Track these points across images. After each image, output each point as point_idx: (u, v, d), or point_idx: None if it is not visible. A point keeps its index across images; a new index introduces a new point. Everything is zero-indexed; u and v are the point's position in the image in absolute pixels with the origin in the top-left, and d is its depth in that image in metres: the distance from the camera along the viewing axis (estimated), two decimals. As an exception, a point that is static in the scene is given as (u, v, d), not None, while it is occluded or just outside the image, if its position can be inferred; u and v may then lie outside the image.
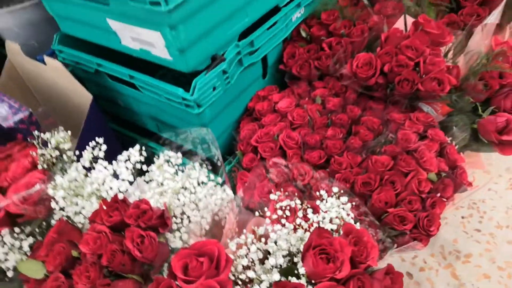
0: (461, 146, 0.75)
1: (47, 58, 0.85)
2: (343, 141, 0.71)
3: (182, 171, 0.61)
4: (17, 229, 0.59)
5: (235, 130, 0.83)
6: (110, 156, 0.63)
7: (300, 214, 0.53)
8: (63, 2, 0.77)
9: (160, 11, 0.57)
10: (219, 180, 0.60)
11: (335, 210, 0.52)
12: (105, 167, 0.56)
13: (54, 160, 0.65)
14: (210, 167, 0.67)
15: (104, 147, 0.59)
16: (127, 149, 0.89)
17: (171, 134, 0.67)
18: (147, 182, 0.60)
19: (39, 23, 0.99)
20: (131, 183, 0.57)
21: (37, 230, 0.61)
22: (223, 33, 0.71)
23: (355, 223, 0.52)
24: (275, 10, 0.82)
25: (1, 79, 1.04)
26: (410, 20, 0.83)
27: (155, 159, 0.61)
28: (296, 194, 0.61)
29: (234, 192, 0.70)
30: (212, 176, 0.60)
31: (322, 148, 0.70)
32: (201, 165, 0.64)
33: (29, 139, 0.69)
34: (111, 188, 0.54)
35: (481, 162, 0.77)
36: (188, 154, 0.71)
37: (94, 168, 0.59)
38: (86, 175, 0.60)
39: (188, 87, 0.69)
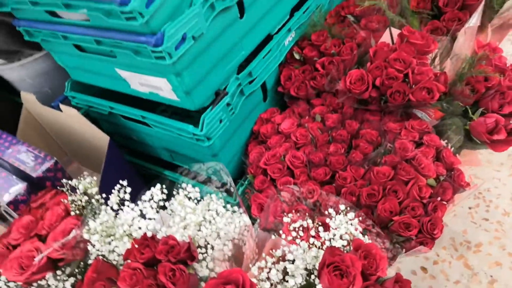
0: (457, 147, 0.80)
1: (62, 106, 0.92)
2: (345, 156, 0.76)
3: (202, 198, 0.67)
4: (58, 272, 0.65)
5: (244, 154, 0.89)
6: (133, 190, 0.69)
7: (312, 232, 0.58)
8: (71, 55, 0.83)
9: (165, 63, 0.62)
10: (236, 209, 0.66)
11: (343, 226, 0.57)
12: (132, 209, 0.62)
13: (84, 204, 0.71)
14: (225, 193, 0.73)
15: (128, 189, 0.65)
16: (146, 180, 0.95)
17: (185, 169, 0.73)
18: (170, 214, 0.66)
19: (50, 71, 1.06)
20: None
21: (76, 270, 0.67)
22: (223, 69, 0.77)
23: (364, 235, 0.58)
24: (268, 38, 0.88)
25: (20, 127, 1.11)
26: (395, 32, 0.88)
27: (175, 194, 0.66)
28: (307, 212, 0.66)
29: (249, 213, 0.76)
30: (229, 205, 0.66)
31: (326, 165, 0.75)
32: (216, 192, 0.70)
33: (58, 187, 0.76)
34: (139, 228, 0.60)
35: (477, 160, 0.81)
36: (204, 181, 0.77)
37: (121, 209, 0.65)
38: (115, 216, 0.66)
39: (192, 118, 0.75)
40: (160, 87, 0.74)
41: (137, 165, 1.03)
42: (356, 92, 0.81)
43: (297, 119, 0.86)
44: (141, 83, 0.77)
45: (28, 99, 1.02)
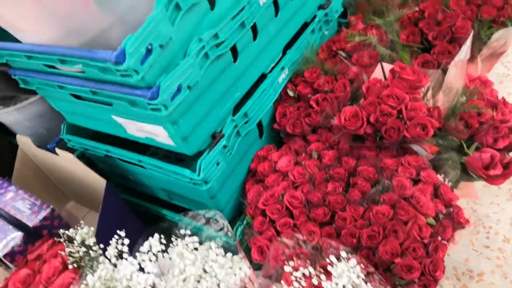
0: (454, 181, 0.80)
1: (58, 150, 0.92)
2: (343, 195, 0.76)
3: (201, 243, 0.67)
4: (57, 329, 0.64)
5: (242, 193, 0.89)
6: (131, 232, 0.68)
7: (314, 281, 0.58)
8: (67, 101, 0.84)
9: (161, 115, 0.63)
10: (235, 258, 0.65)
11: (346, 275, 0.56)
12: (131, 263, 0.61)
13: (82, 255, 0.70)
14: (224, 237, 0.73)
15: (126, 241, 0.64)
16: (144, 219, 0.94)
17: (182, 215, 0.72)
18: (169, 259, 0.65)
19: (46, 113, 1.06)
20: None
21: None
22: (218, 112, 0.78)
23: (366, 283, 0.57)
24: (262, 77, 0.89)
25: (16, 167, 1.10)
26: (387, 66, 0.90)
27: (174, 244, 0.66)
28: (308, 258, 0.65)
29: (249, 256, 0.75)
30: (229, 254, 0.65)
31: (325, 205, 0.75)
32: (215, 237, 0.70)
33: (55, 235, 0.75)
34: (139, 283, 0.59)
35: (474, 193, 0.82)
36: (204, 223, 0.77)
37: (120, 259, 0.64)
38: (114, 266, 0.65)
39: (186, 160, 0.74)
40: (156, 133, 0.74)
41: (134, 203, 1.02)
42: (351, 128, 0.82)
43: (294, 156, 0.87)
44: (138, 129, 0.77)
45: (24, 142, 1.02)
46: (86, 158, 1.01)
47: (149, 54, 0.58)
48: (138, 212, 1.01)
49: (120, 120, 0.77)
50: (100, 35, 0.65)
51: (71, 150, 1.00)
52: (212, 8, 0.70)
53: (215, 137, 0.77)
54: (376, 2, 1.12)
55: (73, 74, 0.70)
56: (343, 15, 1.15)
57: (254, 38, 0.82)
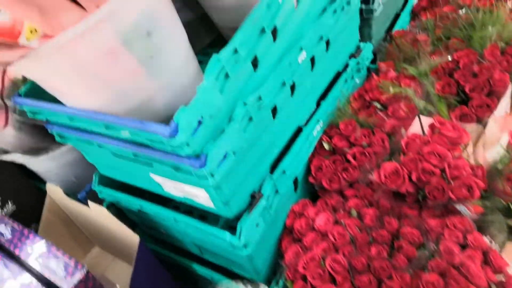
0: (501, 242, 0.77)
1: (91, 203, 0.91)
2: (388, 260, 0.73)
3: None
4: None
5: (278, 251, 0.86)
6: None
7: None
8: (104, 157, 0.83)
9: (207, 183, 0.62)
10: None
11: None
12: None
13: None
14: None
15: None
16: (173, 271, 0.92)
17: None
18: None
19: (76, 162, 1.06)
20: None
21: None
22: (258, 171, 0.76)
23: None
24: (297, 130, 0.88)
25: (44, 215, 1.09)
26: (425, 120, 0.88)
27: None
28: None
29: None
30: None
31: (370, 271, 0.72)
32: None
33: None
34: None
35: (524, 256, 0.78)
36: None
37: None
38: None
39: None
40: (196, 194, 0.73)
41: (164, 255, 1.00)
42: (391, 186, 0.80)
43: (331, 213, 0.84)
44: (176, 188, 0.76)
45: (54, 191, 1.01)
46: (116, 208, 1.00)
47: (200, 125, 0.57)
48: (167, 262, 0.99)
49: (158, 178, 0.76)
50: (146, 101, 0.65)
51: (101, 200, 1.00)
52: (255, 69, 0.70)
53: (254, 198, 0.76)
54: (406, 48, 1.12)
55: (115, 135, 0.70)
56: (373, 60, 1.15)
57: (292, 93, 0.81)
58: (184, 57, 0.68)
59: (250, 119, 0.68)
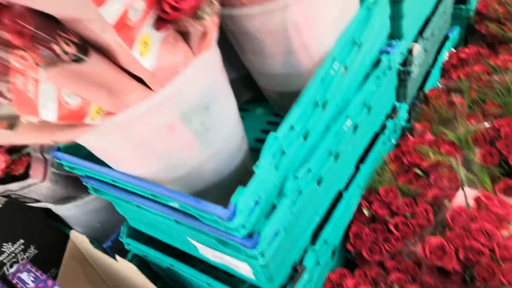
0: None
1: (119, 258, 0.88)
2: None
3: None
4: None
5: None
6: None
7: None
8: (138, 212, 0.80)
9: (256, 262, 0.59)
10: None
11: None
12: None
13: None
14: None
15: None
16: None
17: None
18: None
19: (102, 209, 1.04)
20: None
21: None
22: (300, 242, 0.73)
23: None
24: (338, 196, 0.86)
25: (65, 260, 1.06)
26: (469, 192, 0.86)
27: None
28: None
29: None
30: None
31: None
32: None
33: None
34: None
35: None
36: None
37: None
38: None
39: None
40: (237, 266, 0.69)
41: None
42: (437, 263, 0.76)
43: (372, 286, 0.80)
44: (215, 256, 0.73)
45: (79, 238, 0.98)
46: (140, 258, 0.97)
47: (256, 205, 0.55)
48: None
49: (197, 244, 0.74)
50: (195, 169, 0.64)
51: (125, 251, 0.97)
52: (305, 138, 0.68)
53: (296, 271, 0.72)
54: (442, 110, 1.11)
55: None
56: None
57: (335, 160, 0.80)
58: (233, 125, 0.68)
59: (300, 192, 0.66)
